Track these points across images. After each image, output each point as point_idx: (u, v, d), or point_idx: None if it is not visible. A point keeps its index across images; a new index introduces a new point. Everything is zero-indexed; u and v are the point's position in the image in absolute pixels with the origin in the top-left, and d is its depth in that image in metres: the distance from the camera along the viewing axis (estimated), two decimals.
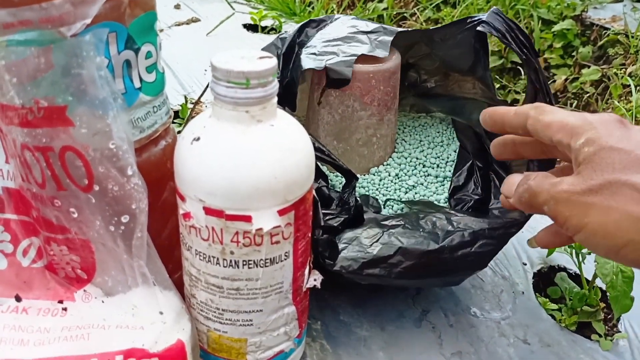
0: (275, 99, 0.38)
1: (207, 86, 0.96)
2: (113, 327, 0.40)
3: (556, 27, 1.60)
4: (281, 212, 0.38)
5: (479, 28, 0.52)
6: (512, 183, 0.41)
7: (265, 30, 1.38)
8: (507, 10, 1.69)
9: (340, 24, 0.61)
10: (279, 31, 1.39)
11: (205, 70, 1.11)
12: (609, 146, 0.35)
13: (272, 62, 0.36)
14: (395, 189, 0.58)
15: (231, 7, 1.48)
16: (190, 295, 0.43)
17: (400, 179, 0.59)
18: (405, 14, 2.09)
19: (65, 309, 0.40)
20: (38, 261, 0.42)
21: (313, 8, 1.72)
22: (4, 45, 0.35)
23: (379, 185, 0.59)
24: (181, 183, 0.39)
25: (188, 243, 0.40)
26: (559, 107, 0.42)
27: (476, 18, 0.54)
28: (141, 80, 0.39)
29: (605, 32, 1.56)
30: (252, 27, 1.41)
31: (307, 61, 0.54)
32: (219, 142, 0.37)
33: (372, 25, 0.59)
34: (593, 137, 0.35)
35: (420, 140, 0.63)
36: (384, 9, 2.04)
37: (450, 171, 0.60)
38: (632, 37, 1.48)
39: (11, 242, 0.41)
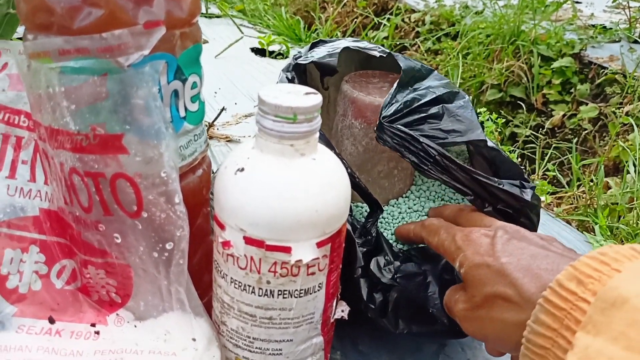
0: (318, 134, 0.39)
1: (222, 110, 0.97)
2: (146, 352, 0.40)
3: (555, 64, 1.64)
4: (319, 244, 0.39)
5: None
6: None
7: (272, 55, 1.40)
8: (507, 46, 1.73)
9: None
10: (286, 56, 1.41)
11: (215, 92, 1.12)
12: (475, 264, 0.41)
13: (318, 99, 0.38)
14: (414, 221, 0.59)
15: (240, 30, 1.50)
16: (221, 322, 0.43)
17: (418, 212, 0.60)
18: (405, 44, 2.13)
19: (97, 333, 0.40)
20: (72, 283, 0.42)
21: (318, 34, 1.75)
22: (57, 71, 0.36)
23: (398, 216, 0.59)
24: (222, 212, 0.39)
25: (223, 270, 0.41)
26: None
27: None
28: (186, 109, 0.40)
29: (603, 71, 1.60)
30: (259, 51, 1.42)
31: None
32: (263, 173, 0.38)
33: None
34: (462, 260, 0.43)
35: None
36: (385, 37, 2.07)
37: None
38: (630, 77, 1.52)
39: (46, 264, 0.42)
